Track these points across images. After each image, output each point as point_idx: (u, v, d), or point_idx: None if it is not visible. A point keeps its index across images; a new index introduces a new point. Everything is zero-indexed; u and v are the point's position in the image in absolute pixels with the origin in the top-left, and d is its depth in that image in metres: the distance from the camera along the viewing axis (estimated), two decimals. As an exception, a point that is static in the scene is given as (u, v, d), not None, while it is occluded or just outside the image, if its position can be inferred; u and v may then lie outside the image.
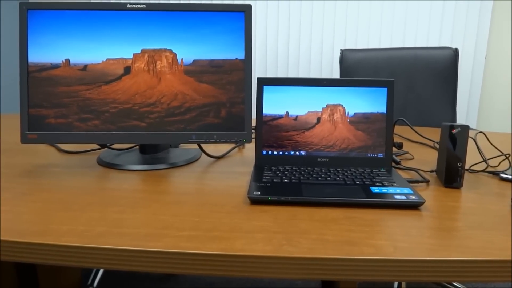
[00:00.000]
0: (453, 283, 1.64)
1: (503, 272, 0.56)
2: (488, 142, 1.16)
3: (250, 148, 1.17)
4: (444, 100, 1.83)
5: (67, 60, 0.92)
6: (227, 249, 0.57)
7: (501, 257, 0.56)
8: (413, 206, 0.73)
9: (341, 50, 1.93)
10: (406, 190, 0.77)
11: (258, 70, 2.60)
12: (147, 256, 0.57)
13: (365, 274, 0.55)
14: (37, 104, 0.93)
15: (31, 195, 0.77)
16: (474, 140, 1.00)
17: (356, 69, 1.90)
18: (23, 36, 0.92)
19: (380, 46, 2.47)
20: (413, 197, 0.73)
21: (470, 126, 2.41)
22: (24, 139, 0.93)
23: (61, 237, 0.60)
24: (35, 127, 0.93)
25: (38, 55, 0.92)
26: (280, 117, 0.94)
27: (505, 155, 0.98)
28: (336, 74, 2.54)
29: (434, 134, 1.39)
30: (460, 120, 2.47)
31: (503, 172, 0.90)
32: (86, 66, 0.93)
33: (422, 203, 0.72)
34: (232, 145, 1.18)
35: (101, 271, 1.79)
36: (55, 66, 0.92)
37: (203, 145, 1.20)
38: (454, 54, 1.81)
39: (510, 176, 0.88)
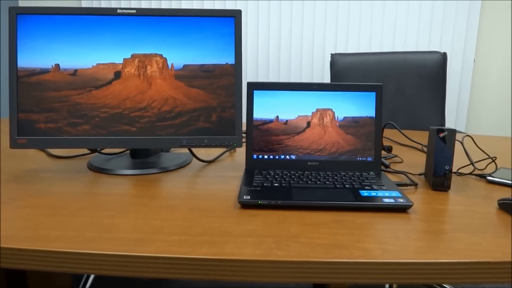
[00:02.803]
0: (443, 284, 1.66)
1: (490, 273, 0.57)
2: (475, 145, 1.18)
3: (241, 152, 1.17)
4: (433, 104, 1.85)
5: (57, 65, 0.92)
6: (217, 253, 0.57)
7: (487, 259, 0.57)
8: (402, 209, 0.74)
9: (331, 54, 1.95)
10: (395, 193, 0.77)
11: (250, 75, 2.60)
12: (137, 261, 0.57)
13: (354, 277, 0.56)
14: (27, 109, 0.92)
15: (20, 201, 0.76)
16: (462, 144, 1.02)
17: (347, 73, 1.91)
18: (12, 41, 0.91)
19: (370, 50, 2.49)
20: (402, 200, 0.74)
21: (459, 129, 2.44)
22: (14, 144, 0.93)
23: (51, 243, 0.59)
24: (24, 132, 0.93)
25: (28, 60, 0.92)
26: (271, 121, 0.95)
27: (491, 158, 0.99)
28: (327, 78, 2.55)
29: (423, 137, 1.40)
30: (450, 123, 2.50)
31: (489, 175, 0.92)
32: (76, 71, 0.93)
33: (410, 206, 0.73)
34: (223, 149, 1.19)
35: (92, 275, 1.78)
36: (44, 71, 0.92)
37: (194, 150, 1.20)
38: (442, 58, 1.84)
39: (496, 179, 0.90)
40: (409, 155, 1.16)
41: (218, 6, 2.55)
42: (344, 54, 1.94)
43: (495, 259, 0.57)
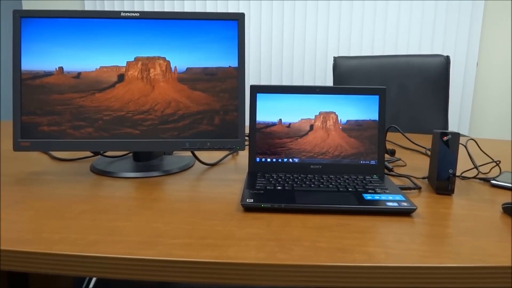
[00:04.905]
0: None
1: (494, 278, 0.56)
2: (479, 149, 1.17)
3: (243, 155, 1.17)
4: (436, 107, 1.85)
5: (61, 68, 0.92)
6: (220, 256, 0.57)
7: (491, 263, 0.56)
8: (405, 213, 0.73)
9: (334, 57, 1.95)
10: (398, 197, 0.77)
11: (252, 78, 2.61)
12: (140, 264, 0.57)
13: (357, 281, 0.56)
14: (30, 111, 0.93)
15: (23, 203, 0.76)
16: (465, 147, 1.01)
17: (349, 77, 1.91)
18: (16, 44, 0.92)
19: (373, 54, 2.49)
20: (405, 204, 0.74)
21: (462, 133, 2.44)
22: (17, 147, 0.93)
23: (54, 246, 0.59)
24: (28, 135, 0.93)
25: (31, 62, 0.92)
26: (273, 124, 0.95)
27: (495, 162, 0.99)
28: (329, 81, 2.55)
29: (426, 140, 1.40)
30: (452, 126, 2.50)
31: (493, 179, 0.91)
32: (79, 73, 0.93)
33: (414, 209, 0.72)
34: (226, 152, 1.19)
35: (94, 278, 1.78)
36: (48, 74, 0.92)
37: (197, 152, 1.20)
38: (445, 62, 1.83)
39: (500, 183, 0.89)
40: (412, 159, 1.15)
41: (220, 7, 2.56)
42: (346, 57, 1.94)
43: (499, 263, 0.56)
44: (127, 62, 0.93)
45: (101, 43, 0.93)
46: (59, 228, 0.65)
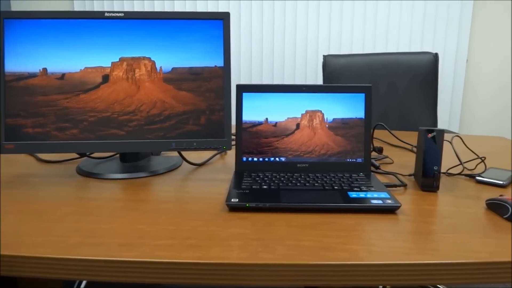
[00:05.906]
0: (431, 285, 1.65)
1: (477, 274, 0.57)
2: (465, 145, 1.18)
3: (231, 155, 1.17)
4: (425, 104, 1.86)
5: (45, 69, 0.92)
6: (203, 257, 0.57)
7: (474, 259, 0.57)
8: (390, 210, 0.73)
9: (323, 56, 1.95)
10: (383, 195, 0.77)
11: (243, 77, 2.60)
12: (122, 266, 0.56)
13: (340, 279, 0.56)
14: (14, 113, 0.92)
15: (5, 206, 0.76)
16: (451, 144, 1.02)
17: (339, 75, 1.91)
18: None
19: (363, 51, 2.49)
20: (390, 201, 0.74)
21: (453, 130, 2.45)
22: (1, 149, 0.92)
23: (35, 249, 0.59)
24: (12, 137, 0.92)
25: (15, 64, 0.91)
26: (260, 123, 0.94)
27: (480, 158, 0.99)
28: (321, 80, 2.55)
29: (415, 138, 1.40)
30: (443, 123, 2.51)
31: (479, 175, 0.92)
32: (63, 75, 0.92)
33: (398, 207, 0.73)
34: (214, 152, 1.18)
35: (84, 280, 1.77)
36: (32, 75, 0.92)
37: (185, 153, 1.19)
38: (434, 59, 1.84)
39: (485, 179, 0.90)
40: (400, 156, 1.16)
41: (211, 7, 2.55)
42: (336, 56, 1.94)
43: (480, 259, 0.57)
44: (111, 62, 0.93)
45: (85, 44, 0.92)
46: (42, 231, 0.65)
